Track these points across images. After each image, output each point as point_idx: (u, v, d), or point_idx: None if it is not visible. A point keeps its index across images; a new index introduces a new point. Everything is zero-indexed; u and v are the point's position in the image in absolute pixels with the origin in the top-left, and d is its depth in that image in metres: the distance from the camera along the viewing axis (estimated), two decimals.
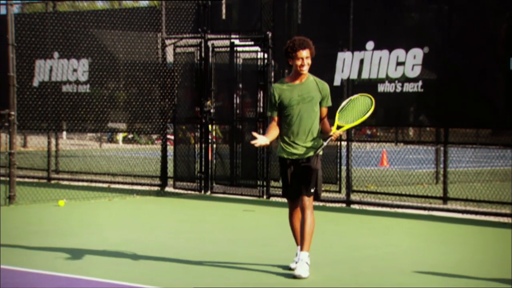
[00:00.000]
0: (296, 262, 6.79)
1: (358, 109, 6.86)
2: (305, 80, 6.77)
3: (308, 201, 6.74)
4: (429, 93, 10.76)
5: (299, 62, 6.68)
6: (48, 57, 14.13)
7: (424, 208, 11.09)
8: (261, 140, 6.63)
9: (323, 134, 6.82)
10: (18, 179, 12.31)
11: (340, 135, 6.96)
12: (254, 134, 6.68)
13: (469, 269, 7.21)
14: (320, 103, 6.78)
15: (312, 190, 6.74)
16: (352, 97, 6.97)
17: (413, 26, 11.36)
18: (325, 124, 6.82)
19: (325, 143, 6.68)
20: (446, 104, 10.64)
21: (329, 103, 6.83)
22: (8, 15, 11.83)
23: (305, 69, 6.71)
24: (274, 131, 6.81)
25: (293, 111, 6.72)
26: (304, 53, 6.67)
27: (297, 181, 6.77)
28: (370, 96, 6.93)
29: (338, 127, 6.76)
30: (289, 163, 6.78)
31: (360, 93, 7.11)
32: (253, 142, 6.63)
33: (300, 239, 6.79)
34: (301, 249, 6.74)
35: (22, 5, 19.99)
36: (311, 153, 6.74)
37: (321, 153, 6.79)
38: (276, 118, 6.81)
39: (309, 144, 6.74)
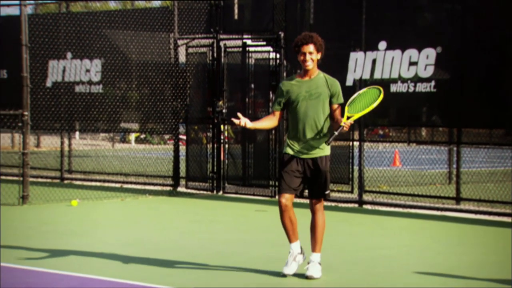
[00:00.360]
0: (288, 264, 6.66)
1: (366, 99, 6.67)
2: (315, 76, 6.65)
3: (319, 204, 6.67)
4: (442, 93, 10.72)
5: (302, 57, 6.58)
6: (61, 58, 14.19)
7: (437, 209, 11.05)
8: (242, 120, 6.46)
9: (335, 130, 6.61)
10: (31, 179, 12.37)
11: (352, 132, 6.81)
12: (239, 114, 6.53)
13: (482, 270, 7.18)
14: (331, 101, 6.63)
15: (326, 193, 6.65)
16: (360, 91, 6.81)
17: (426, 26, 11.32)
18: (338, 122, 6.59)
19: (336, 133, 6.49)
20: (459, 104, 10.60)
21: (341, 100, 6.66)
22: (21, 16, 11.90)
23: (309, 64, 6.57)
24: (265, 121, 6.74)
25: (299, 107, 6.59)
26: (307, 48, 6.54)
27: (304, 181, 6.61)
28: (378, 87, 6.75)
29: (348, 118, 6.54)
30: (292, 159, 6.59)
31: (371, 87, 6.85)
32: (234, 119, 6.49)
33: (311, 241, 6.73)
34: (313, 251, 6.70)
35: (36, 6, 20.08)
36: (320, 154, 6.61)
37: (328, 153, 6.64)
38: (276, 113, 6.69)
39: (316, 143, 6.58)
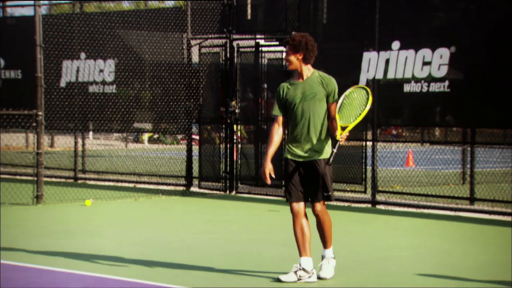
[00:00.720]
0: (288, 273, 6.53)
1: (356, 103, 6.56)
2: (309, 77, 6.55)
3: (320, 206, 6.57)
4: (456, 93, 10.68)
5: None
6: (75, 58, 14.25)
7: (451, 209, 11.01)
8: (267, 172, 6.53)
9: (332, 133, 6.52)
10: (45, 179, 12.42)
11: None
12: (262, 174, 6.56)
13: (496, 271, 7.15)
14: (328, 100, 6.52)
15: (327, 194, 6.53)
16: (346, 92, 6.64)
17: (439, 25, 11.28)
18: (334, 121, 6.47)
19: (334, 150, 6.40)
20: (473, 104, 10.55)
21: (336, 98, 6.53)
22: (36, 16, 11.96)
23: (288, 65, 6.60)
24: (275, 138, 6.62)
25: (296, 109, 6.51)
26: (285, 50, 6.64)
27: (305, 185, 6.53)
28: (364, 86, 6.67)
29: (343, 129, 6.45)
30: (294, 165, 6.55)
31: (356, 87, 6.71)
32: (268, 180, 6.54)
33: (321, 240, 6.68)
34: (325, 247, 6.66)
35: (50, 6, 20.19)
36: (318, 157, 6.50)
37: (327, 155, 6.49)
38: (279, 119, 6.63)
39: (315, 146, 6.50)
